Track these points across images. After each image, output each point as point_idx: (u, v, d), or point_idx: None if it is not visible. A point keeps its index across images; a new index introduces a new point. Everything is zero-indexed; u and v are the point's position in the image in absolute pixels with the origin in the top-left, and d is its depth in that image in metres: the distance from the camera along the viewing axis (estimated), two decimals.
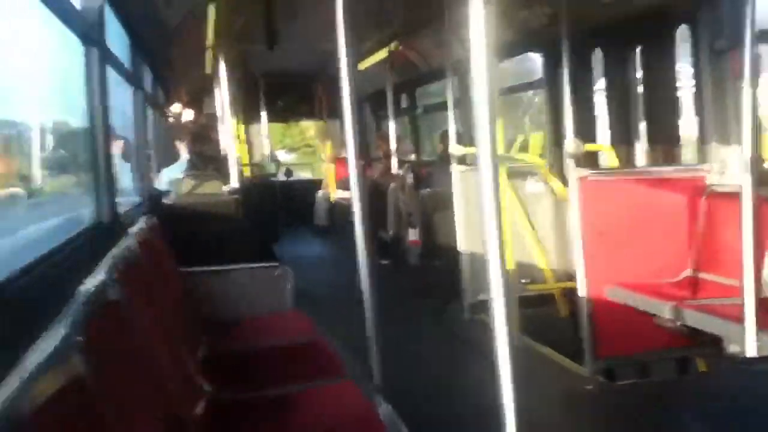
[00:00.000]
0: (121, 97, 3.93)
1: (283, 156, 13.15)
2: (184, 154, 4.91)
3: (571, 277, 3.22)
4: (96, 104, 2.47)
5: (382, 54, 6.23)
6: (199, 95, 7.65)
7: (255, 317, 2.92)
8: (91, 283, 1.41)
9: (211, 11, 4.53)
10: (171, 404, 1.46)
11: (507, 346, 1.18)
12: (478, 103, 1.13)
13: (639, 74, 3.71)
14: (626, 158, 3.79)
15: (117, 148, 3.64)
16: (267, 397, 1.97)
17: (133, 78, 3.91)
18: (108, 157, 2.54)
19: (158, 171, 4.83)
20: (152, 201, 3.88)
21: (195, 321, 2.57)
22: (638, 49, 3.65)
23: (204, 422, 1.73)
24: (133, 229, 2.35)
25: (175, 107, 6.12)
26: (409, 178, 5.28)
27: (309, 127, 14.20)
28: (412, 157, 7.39)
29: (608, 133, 3.99)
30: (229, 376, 2.14)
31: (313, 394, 1.99)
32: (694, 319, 2.42)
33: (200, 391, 1.90)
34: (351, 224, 2.03)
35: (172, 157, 5.24)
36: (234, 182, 4.18)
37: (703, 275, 2.92)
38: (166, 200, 3.80)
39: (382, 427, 1.68)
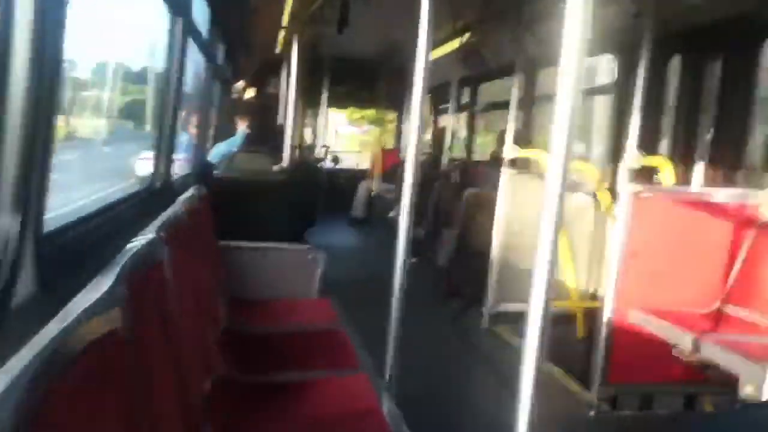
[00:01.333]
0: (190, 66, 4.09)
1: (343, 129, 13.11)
2: (242, 128, 5.05)
3: (596, 297, 3.12)
4: (173, 74, 2.57)
5: (452, 46, 6.13)
6: (264, 74, 7.83)
7: (281, 299, 2.97)
8: (138, 241, 1.52)
9: None
10: (186, 376, 1.53)
11: (533, 371, 1.17)
12: (561, 104, 1.09)
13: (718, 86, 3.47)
14: (686, 177, 3.60)
15: (182, 116, 3.81)
16: (275, 381, 2.02)
17: (209, 52, 4.04)
18: (173, 127, 2.66)
19: (214, 144, 5.01)
20: (204, 172, 4.04)
21: (222, 296, 2.63)
22: (720, 60, 3.43)
23: (211, 399, 1.78)
24: (183, 197, 2.47)
25: (240, 84, 6.29)
26: (455, 177, 5.24)
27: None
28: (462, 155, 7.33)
29: (670, 146, 3.79)
30: (244, 356, 2.20)
31: (322, 383, 2.03)
32: (711, 352, 2.33)
33: (213, 368, 1.96)
34: (386, 219, 2.05)
35: (229, 133, 5.41)
36: (285, 163, 4.29)
37: (733, 310, 2.80)
38: (216, 173, 3.94)
39: (385, 424, 1.71)
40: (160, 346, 1.37)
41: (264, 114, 4.65)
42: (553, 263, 1.12)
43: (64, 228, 1.45)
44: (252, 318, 2.70)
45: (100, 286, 1.14)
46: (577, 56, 1.08)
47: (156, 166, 2.57)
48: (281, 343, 2.40)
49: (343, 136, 11.62)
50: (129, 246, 1.46)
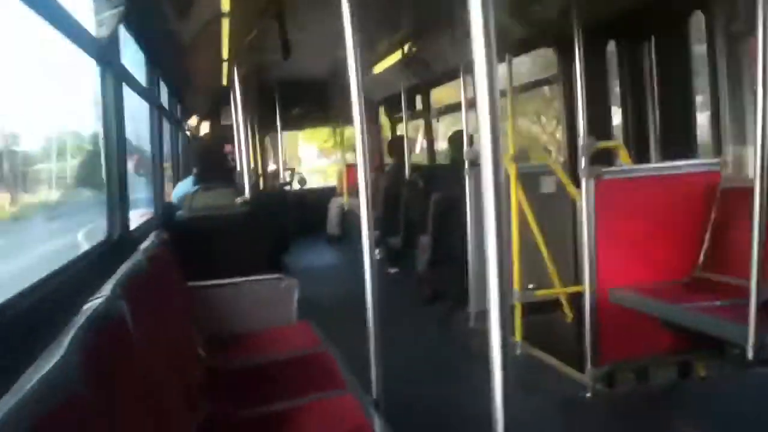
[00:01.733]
0: (137, 108, 4.03)
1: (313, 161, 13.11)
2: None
3: (580, 281, 3.18)
4: (111, 122, 2.54)
5: (395, 56, 6.22)
6: (218, 107, 7.77)
7: (260, 331, 2.94)
8: (95, 301, 1.45)
9: (225, 25, 4.59)
10: (169, 422, 1.48)
11: (501, 356, 1.18)
12: (481, 104, 1.10)
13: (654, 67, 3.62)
14: (640, 155, 3.72)
15: (130, 163, 3.73)
16: (263, 412, 1.99)
17: (148, 94, 3.99)
18: (122, 174, 2.61)
19: (174, 185, 4.92)
20: (165, 215, 3.96)
21: (198, 335, 2.60)
22: (652, 40, 3.57)
23: None
24: (144, 245, 2.40)
25: (192, 120, 6.22)
26: (420, 183, 5.26)
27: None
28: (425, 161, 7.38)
29: (622, 128, 3.93)
30: (229, 391, 2.17)
31: (311, 408, 2.00)
32: (696, 321, 2.38)
33: (198, 409, 1.92)
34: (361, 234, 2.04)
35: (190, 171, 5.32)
36: (246, 194, 4.23)
37: (712, 276, 2.86)
38: (178, 214, 3.87)
39: None
40: (133, 402, 1.32)
41: (210, 149, 4.58)
42: (504, 254, 1.12)
43: (10, 302, 1.38)
44: (233, 353, 2.67)
45: (53, 355, 1.08)
46: (489, 54, 1.09)
47: (110, 218, 2.50)
48: (265, 374, 2.37)
49: (314, 170, 11.62)
50: (83, 308, 1.40)
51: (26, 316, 1.35)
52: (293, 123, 9.33)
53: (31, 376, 0.98)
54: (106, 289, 1.58)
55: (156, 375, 1.55)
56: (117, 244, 2.44)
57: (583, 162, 2.90)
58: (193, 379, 2.05)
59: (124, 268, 1.90)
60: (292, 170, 9.22)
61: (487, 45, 1.10)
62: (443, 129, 8.76)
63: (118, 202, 2.54)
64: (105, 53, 2.49)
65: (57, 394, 0.98)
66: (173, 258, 2.75)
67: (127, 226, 2.63)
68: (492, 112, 1.11)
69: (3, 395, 0.92)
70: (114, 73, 2.54)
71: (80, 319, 1.29)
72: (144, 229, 3.13)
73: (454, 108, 7.26)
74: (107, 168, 2.56)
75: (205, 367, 2.38)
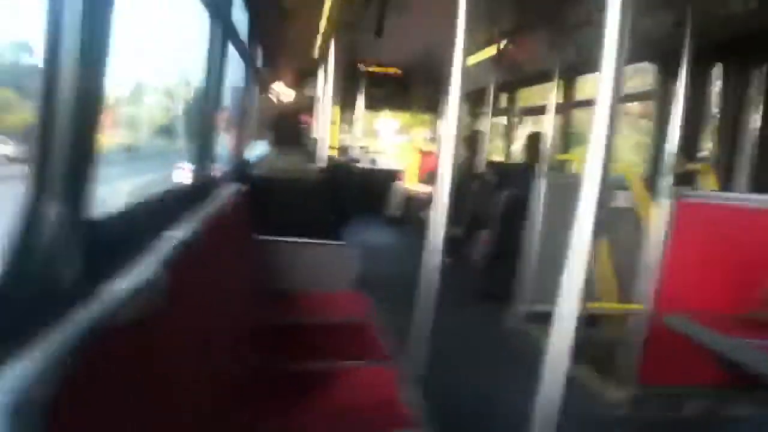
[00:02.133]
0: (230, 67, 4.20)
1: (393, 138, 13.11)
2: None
3: (631, 300, 3.10)
4: (214, 77, 2.66)
5: (489, 52, 6.16)
6: (304, 76, 7.97)
7: (314, 293, 3.01)
8: (178, 232, 1.58)
9: None
10: (221, 365, 1.58)
11: (562, 369, 1.17)
12: (600, 110, 1.11)
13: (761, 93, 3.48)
14: (727, 183, 3.57)
15: (221, 119, 3.92)
16: (303, 370, 2.06)
17: (247, 55, 4.15)
18: (213, 128, 2.74)
19: (253, 144, 5.12)
20: (244, 170, 4.14)
21: (257, 287, 2.69)
22: (764, 68, 3.42)
23: (243, 385, 1.84)
24: (223, 193, 2.54)
25: (278, 86, 6.41)
26: (493, 179, 5.23)
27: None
28: (499, 158, 7.30)
29: (712, 154, 3.78)
30: (276, 345, 2.25)
31: (348, 373, 2.06)
32: (746, 356, 2.28)
33: (245, 357, 2.02)
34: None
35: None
36: (321, 162, 4.35)
37: None
38: (256, 171, 4.04)
39: (404, 416, 1.73)
40: (196, 332, 1.42)
41: (287, 115, 4.72)
42: (586, 268, 1.10)
43: (108, 216, 1.52)
44: (286, 310, 2.75)
45: (140, 271, 1.20)
46: (617, 63, 1.09)
47: (197, 164, 2.65)
48: (312, 334, 2.44)
49: (394, 145, 11.63)
50: (168, 236, 1.52)
51: (122, 230, 1.49)
52: (374, 104, 9.42)
53: (118, 288, 1.09)
54: (189, 223, 1.70)
55: (220, 315, 1.66)
56: (201, 187, 2.60)
57: (667, 181, 2.81)
58: (244, 328, 2.15)
59: (204, 209, 2.04)
60: (365, 148, 9.34)
61: (619, 50, 1.10)
62: (521, 130, 8.61)
63: (206, 151, 2.68)
64: (218, 7, 2.61)
65: (137, 311, 1.08)
66: (247, 209, 2.89)
67: (210, 174, 2.78)
68: (609, 119, 1.10)
69: (92, 301, 1.03)
70: (223, 29, 2.64)
71: (165, 245, 1.42)
72: (224, 179, 3.30)
73: (539, 110, 7.13)
74: (201, 119, 2.69)
75: (257, 318, 2.49)
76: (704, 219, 2.81)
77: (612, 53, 1.09)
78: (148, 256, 1.30)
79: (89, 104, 1.09)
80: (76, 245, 1.11)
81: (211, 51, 2.60)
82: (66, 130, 1.04)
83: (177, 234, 1.52)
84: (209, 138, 2.68)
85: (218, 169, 3.70)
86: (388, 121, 12.94)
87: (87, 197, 1.14)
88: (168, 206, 1.98)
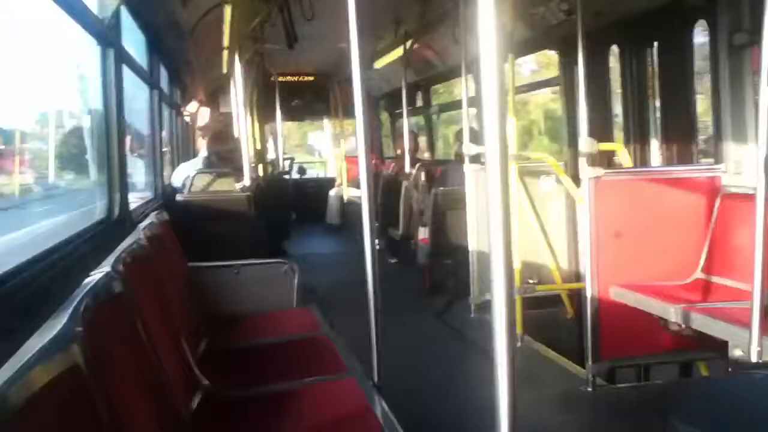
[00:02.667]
0: (135, 93, 4.00)
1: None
2: (203, 152, 4.97)
3: (580, 278, 3.19)
4: (111, 103, 2.53)
5: (397, 52, 6.23)
6: (216, 94, 7.74)
7: (260, 313, 2.94)
8: (95, 276, 1.44)
9: (227, 12, 4.57)
10: (168, 398, 1.48)
11: (507, 345, 1.17)
12: (487, 102, 1.12)
13: (655, 72, 3.67)
14: (641, 158, 3.74)
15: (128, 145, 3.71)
16: (263, 393, 1.98)
17: (149, 77, 3.97)
18: (122, 154, 2.60)
19: (173, 168, 4.90)
20: (165, 197, 3.94)
21: (199, 316, 2.59)
22: (655, 46, 3.60)
23: (199, 417, 1.74)
24: (143, 224, 2.38)
25: (192, 106, 6.19)
26: (422, 177, 5.27)
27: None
28: (426, 155, 7.38)
29: (623, 132, 3.95)
30: (228, 371, 2.15)
31: (312, 390, 2.00)
32: (699, 322, 2.38)
33: (198, 386, 1.91)
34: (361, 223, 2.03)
35: (190, 155, 5.30)
36: (246, 180, 4.22)
37: (713, 278, 2.87)
38: (179, 197, 3.85)
39: (378, 425, 1.68)
40: (131, 375, 1.31)
41: (223, 135, 4.59)
42: (508, 250, 1.12)
43: (12, 272, 1.36)
44: (234, 333, 2.67)
45: (54, 325, 1.07)
46: (496, 55, 1.10)
47: (111, 196, 2.49)
48: (266, 355, 2.36)
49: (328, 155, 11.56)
50: (84, 282, 1.38)
51: (27, 287, 1.34)
52: (293, 113, 9.31)
53: (31, 347, 0.97)
54: (107, 265, 1.56)
55: (156, 350, 1.54)
56: (117, 222, 2.42)
57: (583, 163, 2.91)
58: (193, 355, 2.03)
59: (124, 246, 1.89)
60: (291, 159, 9.21)
61: (494, 44, 1.12)
62: (442, 126, 8.78)
63: (118, 182, 2.53)
64: (107, 34, 2.49)
65: (58, 364, 0.97)
66: (173, 238, 2.74)
67: (127, 206, 2.61)
68: (498, 109, 1.12)
69: (3, 363, 0.91)
70: (115, 55, 2.53)
71: (81, 292, 1.28)
72: (143, 210, 3.11)
73: (454, 105, 7.27)
74: (108, 148, 2.54)
75: (206, 345, 2.37)
76: (623, 194, 2.92)
77: (490, 45, 1.10)
78: (61, 309, 1.16)
79: None
80: None
81: (104, 78, 2.49)
82: None
83: (92, 280, 1.38)
84: (119, 167, 2.52)
85: (139, 198, 3.49)
86: (319, 133, 12.86)
87: None
88: (82, 250, 1.82)
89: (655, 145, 3.71)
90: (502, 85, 1.11)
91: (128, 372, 1.29)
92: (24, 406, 0.83)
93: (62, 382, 0.95)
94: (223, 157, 4.15)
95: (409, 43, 5.93)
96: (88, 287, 1.33)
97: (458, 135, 5.38)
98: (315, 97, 9.17)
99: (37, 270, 1.46)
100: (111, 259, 1.64)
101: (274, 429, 1.77)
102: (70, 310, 1.15)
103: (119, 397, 1.16)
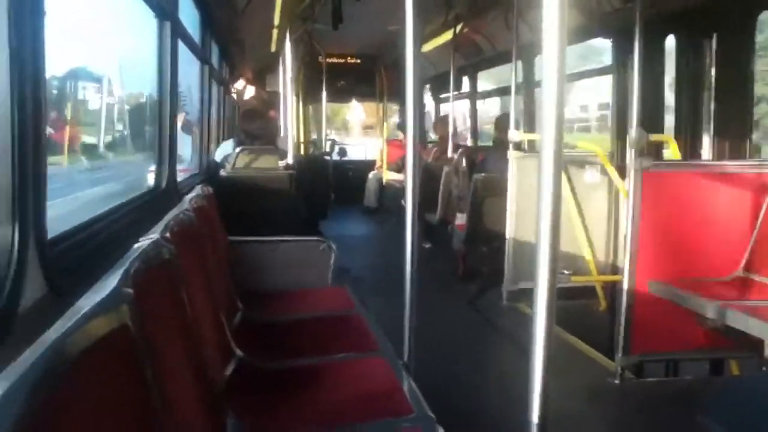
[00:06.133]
0: (187, 71, 4.10)
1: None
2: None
3: (616, 271, 3.15)
4: (166, 77, 2.59)
5: (446, 36, 6.16)
6: (264, 73, 7.84)
7: (296, 290, 2.98)
8: (145, 242, 1.51)
9: None
10: (205, 364, 1.54)
11: (545, 336, 1.18)
12: (547, 89, 1.10)
13: (713, 64, 3.55)
14: (691, 152, 3.64)
15: (179, 120, 3.82)
16: (294, 366, 2.03)
17: (201, 53, 4.05)
18: (172, 128, 2.66)
19: (219, 144, 5.02)
20: (209, 172, 4.05)
21: (237, 289, 2.65)
22: (714, 37, 3.48)
23: (232, 385, 1.79)
24: (189, 196, 2.47)
25: (239, 84, 6.30)
26: (463, 163, 5.24)
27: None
28: (469, 141, 7.33)
29: (674, 124, 3.84)
30: (261, 344, 2.20)
31: (342, 366, 2.03)
32: (735, 319, 2.34)
33: (232, 356, 1.97)
34: (399, 207, 2.05)
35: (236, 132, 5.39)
36: (289, 158, 4.29)
37: (754, 277, 2.80)
38: (223, 172, 3.95)
39: (406, 402, 1.71)
40: (174, 339, 1.37)
41: (253, 112, 4.65)
42: (555, 239, 1.12)
43: (69, 232, 1.44)
44: (269, 308, 2.72)
45: (106, 285, 1.14)
46: (560, 40, 1.08)
47: (159, 168, 2.57)
48: (299, 330, 2.41)
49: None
50: (135, 246, 1.45)
51: (82, 247, 1.42)
52: (338, 95, 9.34)
53: (84, 305, 1.03)
54: (156, 231, 1.63)
55: (197, 317, 1.61)
56: (164, 193, 2.51)
57: (632, 153, 2.85)
58: (229, 326, 2.10)
59: (171, 215, 1.96)
60: (333, 141, 9.27)
61: (559, 30, 1.10)
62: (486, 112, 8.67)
63: (168, 154, 2.60)
64: (164, 7, 2.53)
65: (108, 322, 1.03)
66: (216, 211, 2.82)
67: (175, 178, 2.70)
68: (557, 97, 1.11)
69: (58, 319, 0.96)
70: (172, 28, 2.57)
71: (132, 256, 1.35)
72: (189, 183, 3.21)
73: (502, 91, 7.16)
74: (160, 122, 2.61)
75: (241, 317, 2.44)
76: (670, 187, 2.87)
77: (554, 31, 1.09)
78: (113, 270, 1.23)
79: (30, 115, 1.02)
80: (36, 265, 1.05)
81: (160, 52, 2.54)
82: (7, 147, 0.98)
83: (142, 245, 1.45)
84: (169, 140, 2.60)
85: (185, 171, 3.60)
86: (357, 113, 12.85)
87: (41, 214, 1.08)
88: (132, 216, 1.91)
89: (706, 140, 3.61)
90: (562, 73, 1.10)
91: (171, 336, 1.36)
92: (76, 361, 0.88)
93: (112, 340, 1.01)
94: (253, 135, 4.18)
95: (459, 27, 5.86)
96: (138, 252, 1.40)
97: (499, 121, 5.31)
98: (360, 79, 9.17)
99: (92, 232, 1.54)
100: (160, 226, 1.71)
101: (304, 401, 1.82)
102: (121, 272, 1.21)
103: (162, 359, 1.22)
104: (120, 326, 1.05)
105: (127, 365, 1.06)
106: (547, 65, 1.10)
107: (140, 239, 1.54)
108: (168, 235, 1.63)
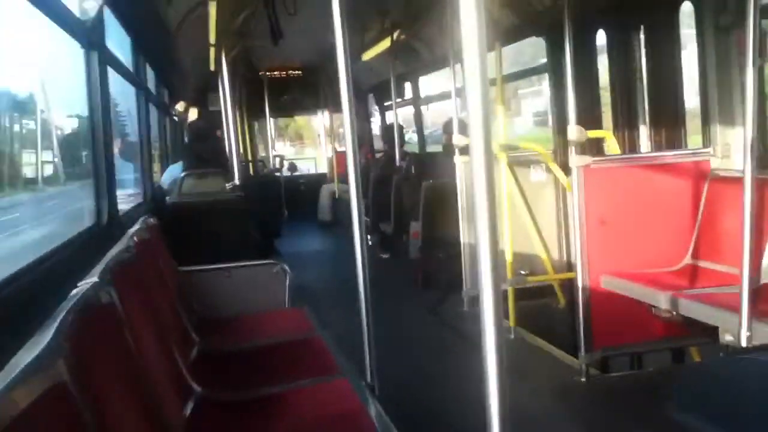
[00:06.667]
0: (125, 95, 3.96)
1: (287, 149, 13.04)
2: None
3: (571, 268, 3.20)
4: (96, 106, 2.49)
5: (385, 44, 6.18)
6: (206, 92, 7.68)
7: (252, 315, 2.93)
8: (82, 287, 1.43)
9: (212, 8, 4.52)
10: (160, 407, 1.47)
11: (495, 337, 1.17)
12: (471, 91, 1.10)
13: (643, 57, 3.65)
14: (630, 144, 3.74)
15: (115, 147, 3.67)
16: (257, 396, 1.98)
17: (134, 78, 3.93)
18: (109, 158, 2.57)
19: (163, 170, 4.87)
20: (155, 200, 3.91)
21: (191, 320, 2.58)
22: (641, 29, 3.58)
23: (193, 423, 1.74)
24: (132, 230, 2.37)
25: (180, 105, 6.15)
26: (412, 170, 5.26)
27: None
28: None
29: (611, 118, 3.95)
30: (221, 375, 2.15)
31: (305, 392, 1.99)
32: (689, 308, 2.40)
33: (190, 392, 1.91)
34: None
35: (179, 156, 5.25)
36: (236, 179, 4.20)
37: (702, 264, 2.89)
38: (169, 199, 3.83)
39: (372, 426, 1.68)
40: (120, 387, 1.30)
41: (200, 134, 4.54)
42: (494, 240, 1.12)
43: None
44: (227, 336, 2.66)
45: (40, 341, 1.06)
46: (479, 44, 1.08)
47: (98, 202, 2.46)
48: (259, 358, 2.36)
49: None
50: (72, 293, 1.37)
51: (13, 300, 1.32)
52: (282, 110, 9.26)
53: (18, 361, 0.96)
54: (95, 274, 1.55)
55: (146, 359, 1.53)
56: (106, 228, 2.40)
57: (572, 151, 2.91)
58: (185, 362, 2.03)
59: (113, 253, 1.88)
60: (282, 157, 9.17)
61: (478, 33, 1.10)
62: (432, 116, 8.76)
63: (106, 187, 2.50)
64: (90, 36, 2.45)
65: (44, 381, 0.96)
66: (163, 242, 2.72)
67: (116, 211, 2.58)
68: (482, 100, 1.10)
69: None
70: (99, 57, 2.49)
71: (68, 305, 1.27)
72: (132, 214, 3.09)
73: (443, 96, 7.24)
74: (94, 152, 2.51)
75: (198, 350, 2.36)
76: (613, 182, 2.92)
77: (473, 35, 1.09)
78: (48, 322, 1.15)
79: None
80: None
81: (89, 81, 2.44)
82: None
83: (79, 291, 1.37)
84: (106, 171, 2.49)
85: (128, 200, 3.46)
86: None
87: None
88: (71, 259, 1.81)
89: (644, 131, 3.71)
90: (485, 74, 1.10)
91: (117, 384, 1.28)
92: (8, 427, 0.82)
93: (48, 400, 0.94)
94: (202, 157, 4.09)
95: (396, 34, 5.89)
96: (76, 299, 1.32)
97: (445, 126, 5.35)
98: (304, 92, 9.11)
99: (25, 282, 1.45)
100: (99, 267, 1.62)
101: (270, 430, 1.77)
102: (56, 324, 1.14)
103: (108, 411, 1.15)
104: (56, 384, 0.99)
105: (68, 426, 0.99)
106: (469, 68, 1.09)
107: (78, 284, 1.45)
108: (108, 276, 1.55)
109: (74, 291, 1.40)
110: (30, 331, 1.13)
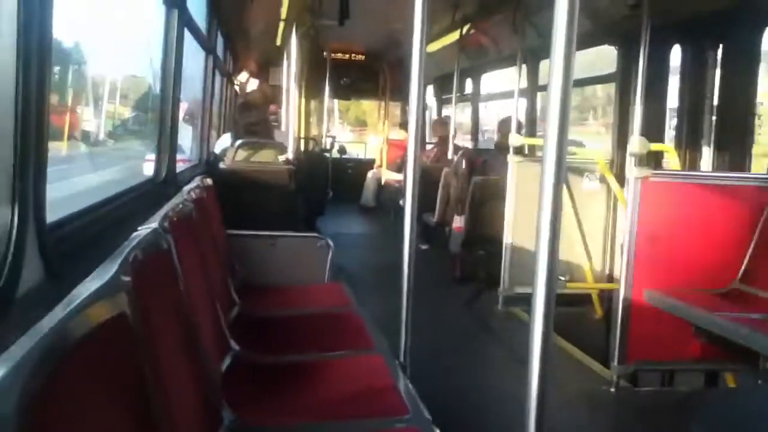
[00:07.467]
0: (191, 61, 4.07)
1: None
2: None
3: (612, 280, 3.16)
4: (171, 66, 2.56)
5: (452, 37, 6.15)
6: (267, 66, 7.82)
7: (292, 285, 2.98)
8: (143, 231, 1.50)
9: None
10: (201, 356, 1.53)
11: (541, 343, 1.17)
12: (554, 94, 1.09)
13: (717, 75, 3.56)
14: (690, 163, 3.65)
15: (181, 110, 3.79)
16: (291, 361, 2.03)
17: (206, 42, 4.02)
18: (174, 119, 2.64)
19: (218, 137, 5.00)
20: (209, 164, 4.03)
21: (233, 282, 2.64)
22: (720, 48, 3.49)
23: (228, 379, 1.79)
24: (188, 187, 2.45)
25: (242, 76, 6.28)
26: (463, 165, 5.24)
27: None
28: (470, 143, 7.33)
29: (676, 134, 3.85)
30: (258, 338, 2.20)
31: (338, 363, 2.03)
32: (732, 331, 2.35)
33: (228, 349, 1.97)
34: (396, 207, 2.04)
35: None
36: (289, 153, 4.27)
37: (751, 289, 2.81)
38: (222, 164, 3.94)
39: (402, 402, 1.71)
40: (171, 329, 1.37)
41: (249, 106, 4.62)
42: (554, 246, 1.12)
43: (68, 218, 1.43)
44: (265, 303, 2.70)
45: (105, 273, 1.13)
46: (568, 46, 1.08)
47: (159, 159, 2.55)
48: (295, 326, 2.40)
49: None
50: (134, 235, 1.45)
51: (83, 232, 1.40)
52: (341, 92, 9.33)
53: (81, 292, 1.02)
54: (155, 220, 1.62)
55: (193, 309, 1.60)
56: (163, 183, 2.50)
57: (632, 162, 2.86)
58: (225, 320, 2.10)
59: (169, 206, 1.96)
60: (333, 138, 9.27)
61: (568, 34, 1.09)
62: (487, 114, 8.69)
63: (168, 145, 2.58)
64: None
65: (108, 310, 1.02)
66: (215, 204, 2.80)
67: (174, 168, 2.68)
68: (563, 103, 1.10)
69: (54, 306, 0.96)
70: (179, 17, 2.55)
71: (129, 245, 1.34)
72: (189, 174, 3.20)
73: (504, 94, 7.16)
74: (161, 112, 2.58)
75: (237, 312, 2.43)
76: (669, 197, 2.87)
77: (562, 36, 1.08)
78: (112, 258, 1.22)
79: (33, 99, 1.01)
80: (34, 251, 1.04)
81: (166, 40, 2.50)
82: (9, 130, 0.97)
83: (140, 234, 1.45)
84: (170, 131, 2.58)
85: (184, 162, 3.58)
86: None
87: (41, 200, 1.07)
88: (131, 206, 1.90)
89: (706, 151, 3.62)
90: (569, 79, 1.09)
91: (169, 326, 1.35)
92: (74, 347, 0.87)
93: (110, 327, 1.00)
94: (247, 129, 4.16)
95: (465, 28, 5.86)
96: (137, 240, 1.39)
97: (501, 125, 5.30)
98: (364, 76, 9.16)
99: (91, 219, 1.53)
100: (158, 216, 1.70)
101: (299, 397, 1.82)
102: (119, 260, 1.20)
103: (160, 348, 1.22)
104: (118, 314, 1.05)
105: (125, 353, 1.06)
106: (555, 69, 1.09)
107: (139, 228, 1.53)
108: (167, 225, 1.62)
109: (135, 233, 1.47)
110: (92, 263, 1.20)
